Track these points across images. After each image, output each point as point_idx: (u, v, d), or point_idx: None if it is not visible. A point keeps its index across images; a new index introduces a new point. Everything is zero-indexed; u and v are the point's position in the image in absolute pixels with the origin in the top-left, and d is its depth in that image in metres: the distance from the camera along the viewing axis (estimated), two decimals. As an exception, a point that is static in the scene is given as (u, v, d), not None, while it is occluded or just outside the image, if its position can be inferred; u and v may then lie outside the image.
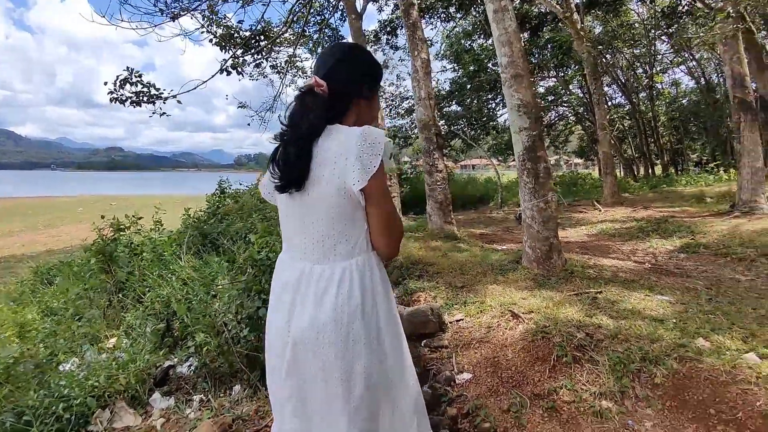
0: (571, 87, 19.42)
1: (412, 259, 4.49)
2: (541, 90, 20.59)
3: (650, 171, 20.05)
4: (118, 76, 7.73)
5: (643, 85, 18.01)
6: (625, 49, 15.45)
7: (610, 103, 20.19)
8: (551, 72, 18.43)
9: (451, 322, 3.04)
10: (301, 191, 1.22)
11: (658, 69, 17.45)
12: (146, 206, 5.91)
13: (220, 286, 4.03)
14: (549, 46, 15.22)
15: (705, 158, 19.03)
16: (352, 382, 1.20)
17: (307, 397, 1.27)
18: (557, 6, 9.57)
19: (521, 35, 15.27)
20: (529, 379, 2.36)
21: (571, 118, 22.32)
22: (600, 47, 12.98)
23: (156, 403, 2.94)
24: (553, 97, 20.51)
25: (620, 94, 19.42)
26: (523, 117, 3.80)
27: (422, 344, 2.84)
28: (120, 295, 4.66)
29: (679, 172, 18.24)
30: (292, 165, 1.21)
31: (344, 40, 15.14)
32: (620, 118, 18.48)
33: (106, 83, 7.76)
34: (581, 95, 19.03)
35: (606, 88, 19.47)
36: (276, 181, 1.24)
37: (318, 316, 1.20)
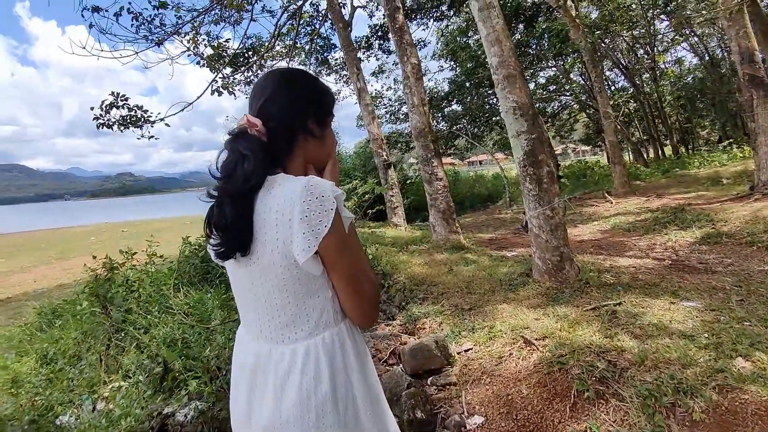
0: (571, 75, 19.01)
1: (416, 279, 4.21)
2: (542, 80, 20.23)
3: (660, 153, 19.55)
4: (103, 101, 7.59)
5: (645, 66, 17.55)
6: (624, 31, 15.04)
7: (613, 88, 19.76)
8: (551, 62, 18.06)
9: (459, 353, 2.78)
10: (248, 256, 0.98)
11: (660, 49, 16.98)
12: (156, 230, 5.74)
13: (217, 324, 3.85)
14: (546, 36, 14.87)
15: (717, 136, 18.50)
16: None
17: None
18: (550, -5, 9.27)
19: (517, 26, 15.08)
20: (547, 421, 2.09)
21: (575, 106, 21.90)
22: (597, 32, 12.61)
23: (151, 460, 2.76)
24: (554, 87, 20.12)
25: (623, 78, 18.96)
26: (519, 120, 3.51)
27: (428, 382, 2.59)
28: (121, 335, 4.49)
29: (690, 152, 17.72)
30: (231, 228, 0.96)
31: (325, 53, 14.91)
32: (625, 102, 18.00)
33: (92, 108, 7.60)
34: (582, 82, 18.63)
35: (608, 72, 19.07)
36: (215, 247, 1.00)
37: (280, 411, 0.97)
